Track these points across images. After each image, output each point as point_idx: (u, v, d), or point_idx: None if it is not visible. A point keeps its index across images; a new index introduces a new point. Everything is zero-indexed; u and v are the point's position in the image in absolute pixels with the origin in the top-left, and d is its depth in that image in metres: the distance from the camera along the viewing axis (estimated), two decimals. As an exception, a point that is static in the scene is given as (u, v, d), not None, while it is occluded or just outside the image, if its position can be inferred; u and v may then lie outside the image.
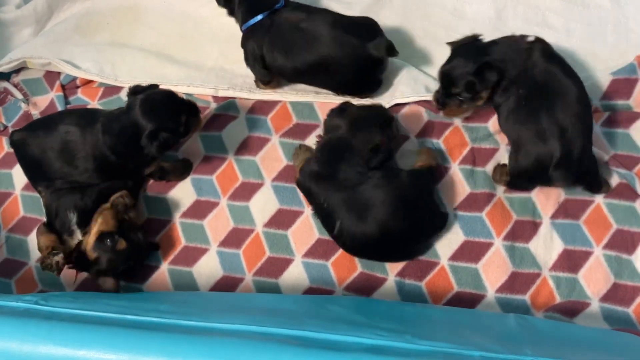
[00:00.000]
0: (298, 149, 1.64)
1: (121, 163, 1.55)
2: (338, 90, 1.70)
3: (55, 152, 1.56)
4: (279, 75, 1.72)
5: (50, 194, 1.60)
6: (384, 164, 1.49)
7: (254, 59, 1.68)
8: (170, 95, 1.54)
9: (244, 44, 1.68)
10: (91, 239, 1.51)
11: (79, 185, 1.58)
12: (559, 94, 1.42)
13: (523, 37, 1.48)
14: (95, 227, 1.52)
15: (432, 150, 1.61)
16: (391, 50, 1.61)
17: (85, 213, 1.56)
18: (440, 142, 1.62)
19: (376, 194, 1.42)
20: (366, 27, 1.61)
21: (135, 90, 1.53)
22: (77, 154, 1.55)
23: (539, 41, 1.48)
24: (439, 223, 1.53)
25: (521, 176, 1.49)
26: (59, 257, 1.49)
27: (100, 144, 1.52)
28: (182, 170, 1.70)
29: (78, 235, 1.56)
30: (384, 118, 1.52)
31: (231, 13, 1.72)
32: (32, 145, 1.60)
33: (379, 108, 1.56)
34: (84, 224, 1.56)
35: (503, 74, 1.45)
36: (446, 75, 1.50)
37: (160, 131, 1.48)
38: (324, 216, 1.49)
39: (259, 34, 1.64)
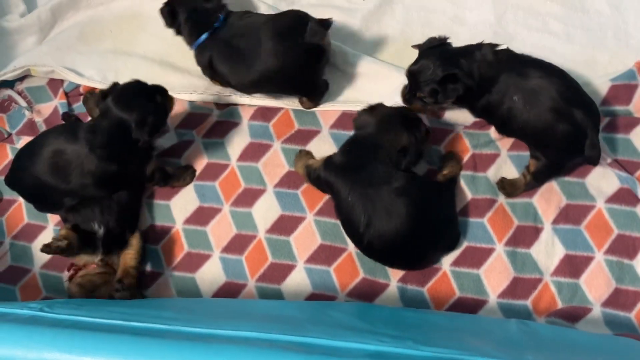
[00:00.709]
0: (299, 154, 1.65)
1: (122, 170, 1.56)
2: (292, 93, 1.72)
3: (49, 176, 1.55)
4: (233, 89, 1.75)
5: (67, 213, 1.61)
6: (411, 166, 1.48)
7: (209, 76, 1.73)
8: (136, 84, 1.57)
9: (198, 62, 1.71)
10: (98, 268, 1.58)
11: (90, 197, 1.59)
12: (545, 91, 1.41)
13: (492, 45, 1.48)
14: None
15: (459, 156, 1.60)
16: (326, 25, 1.60)
17: (109, 227, 1.60)
18: (441, 149, 1.63)
19: (399, 200, 1.40)
20: (297, 21, 1.60)
21: (104, 95, 1.55)
22: (70, 172, 1.54)
23: (507, 50, 1.48)
24: (452, 242, 1.53)
25: (556, 160, 1.48)
26: (63, 244, 1.51)
27: (94, 160, 1.51)
28: (186, 175, 1.71)
29: (98, 255, 1.60)
30: (412, 119, 1.51)
31: (178, 33, 1.73)
32: (25, 178, 1.60)
33: (407, 109, 1.55)
34: (109, 241, 1.61)
35: (470, 87, 1.44)
36: (413, 77, 1.50)
37: (146, 116, 1.50)
38: (347, 211, 1.45)
39: (206, 52, 1.66)
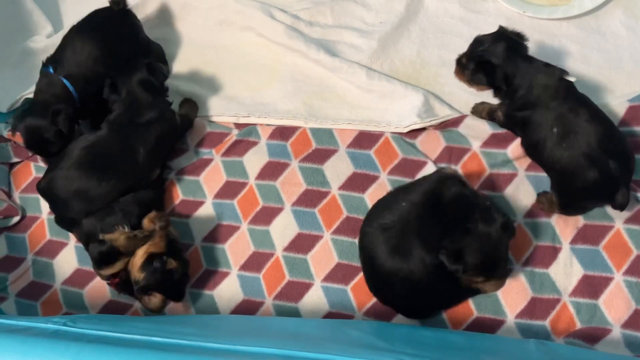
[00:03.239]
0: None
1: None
2: None
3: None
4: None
5: (87, 222, 1.61)
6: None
7: None
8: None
9: None
10: (138, 260, 1.52)
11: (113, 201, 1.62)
12: (586, 135, 1.42)
13: (562, 71, 1.49)
14: (144, 248, 1.53)
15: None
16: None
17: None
18: (458, 168, 1.64)
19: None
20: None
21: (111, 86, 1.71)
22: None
23: (569, 82, 1.49)
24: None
25: (575, 202, 1.50)
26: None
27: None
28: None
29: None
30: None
31: None
32: (58, 180, 1.63)
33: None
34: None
35: (503, 88, 1.49)
36: (472, 44, 1.55)
37: (150, 65, 1.74)
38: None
39: None
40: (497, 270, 1.39)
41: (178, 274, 1.53)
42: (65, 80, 1.73)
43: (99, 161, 1.63)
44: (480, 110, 1.67)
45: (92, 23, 1.81)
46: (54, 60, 1.77)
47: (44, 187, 1.66)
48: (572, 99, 1.47)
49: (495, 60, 1.50)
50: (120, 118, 1.67)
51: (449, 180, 1.41)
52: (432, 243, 1.36)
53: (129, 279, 1.54)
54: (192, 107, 1.84)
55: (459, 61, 1.60)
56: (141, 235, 1.53)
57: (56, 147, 1.70)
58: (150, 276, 1.50)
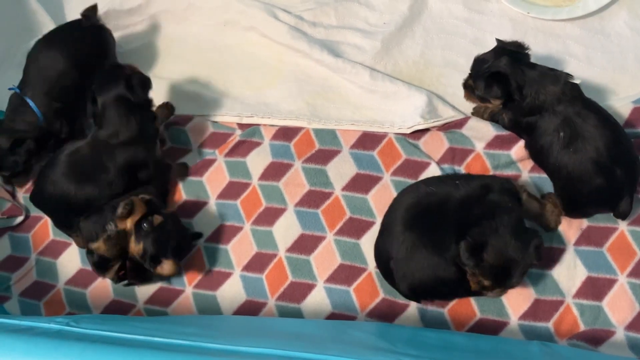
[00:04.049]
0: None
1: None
2: None
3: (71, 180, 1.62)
4: None
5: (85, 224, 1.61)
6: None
7: None
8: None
9: None
10: (131, 234, 1.53)
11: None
12: (594, 141, 1.41)
13: (567, 75, 1.49)
14: (130, 222, 1.53)
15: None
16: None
17: None
18: (462, 169, 1.64)
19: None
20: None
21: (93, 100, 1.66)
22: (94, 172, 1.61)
23: (575, 85, 1.49)
24: None
25: (579, 208, 1.50)
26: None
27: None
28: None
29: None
30: None
31: None
32: (45, 187, 1.64)
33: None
34: None
35: (513, 98, 1.47)
36: (474, 64, 1.55)
37: (133, 79, 1.64)
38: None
39: None
40: (506, 281, 1.37)
41: (169, 225, 1.55)
42: (28, 100, 1.72)
43: (79, 169, 1.63)
44: (482, 112, 1.66)
45: (59, 35, 1.81)
46: (22, 80, 1.77)
47: (33, 196, 1.70)
48: (579, 102, 1.46)
49: (505, 71, 1.48)
50: (97, 132, 1.65)
51: (505, 183, 1.45)
52: (458, 235, 1.35)
53: (136, 265, 1.55)
54: (164, 110, 1.76)
55: (465, 85, 1.60)
56: (114, 232, 1.54)
57: (11, 172, 1.74)
58: (147, 241, 1.51)
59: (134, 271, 1.57)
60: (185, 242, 1.64)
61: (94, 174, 1.63)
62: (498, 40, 1.56)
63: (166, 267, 1.54)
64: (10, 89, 1.77)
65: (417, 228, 1.42)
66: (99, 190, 1.62)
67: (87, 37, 1.81)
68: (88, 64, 1.77)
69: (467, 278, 1.38)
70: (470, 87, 1.59)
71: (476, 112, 1.68)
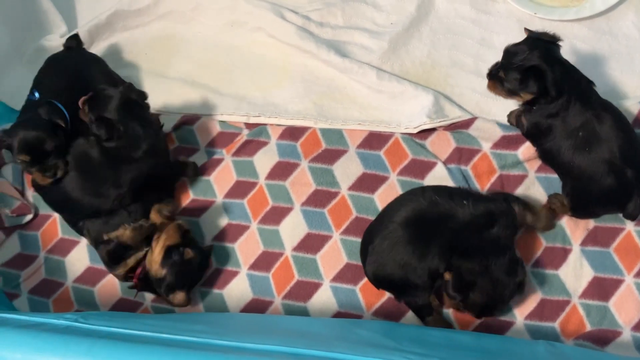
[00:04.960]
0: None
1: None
2: None
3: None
4: None
5: (94, 223, 1.62)
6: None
7: None
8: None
9: None
10: (157, 256, 1.53)
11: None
12: (608, 142, 1.41)
13: (589, 80, 1.48)
14: (161, 243, 1.54)
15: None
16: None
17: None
18: (468, 169, 1.64)
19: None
20: None
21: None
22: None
23: (593, 86, 1.49)
24: None
25: (588, 208, 1.50)
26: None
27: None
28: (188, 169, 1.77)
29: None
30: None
31: None
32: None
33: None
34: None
35: (547, 94, 1.44)
36: (505, 55, 1.48)
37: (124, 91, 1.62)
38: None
39: None
40: (489, 314, 1.44)
41: (196, 263, 1.56)
42: (57, 103, 1.69)
43: (86, 167, 1.61)
44: (511, 117, 1.63)
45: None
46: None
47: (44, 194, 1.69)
48: (597, 103, 1.46)
49: (544, 66, 1.42)
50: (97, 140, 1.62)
51: (509, 215, 1.44)
52: (445, 252, 1.38)
53: (147, 276, 1.56)
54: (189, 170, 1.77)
55: (492, 75, 1.52)
56: (147, 225, 1.55)
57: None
58: (172, 270, 1.52)
59: (144, 281, 1.58)
60: (202, 274, 1.64)
61: (100, 174, 1.61)
62: (529, 31, 1.51)
63: (178, 297, 1.54)
64: (30, 97, 1.75)
65: (409, 229, 1.42)
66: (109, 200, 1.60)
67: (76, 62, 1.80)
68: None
69: (440, 295, 1.43)
70: (497, 78, 1.50)
71: (509, 119, 1.63)
